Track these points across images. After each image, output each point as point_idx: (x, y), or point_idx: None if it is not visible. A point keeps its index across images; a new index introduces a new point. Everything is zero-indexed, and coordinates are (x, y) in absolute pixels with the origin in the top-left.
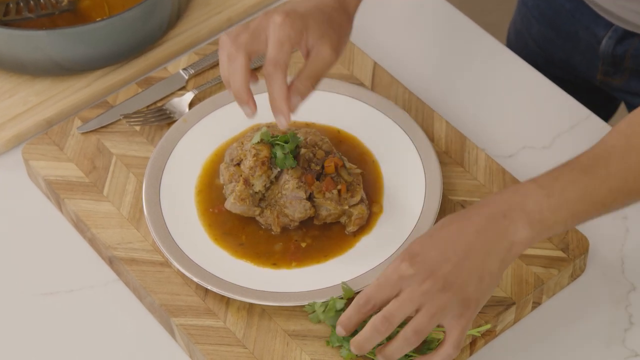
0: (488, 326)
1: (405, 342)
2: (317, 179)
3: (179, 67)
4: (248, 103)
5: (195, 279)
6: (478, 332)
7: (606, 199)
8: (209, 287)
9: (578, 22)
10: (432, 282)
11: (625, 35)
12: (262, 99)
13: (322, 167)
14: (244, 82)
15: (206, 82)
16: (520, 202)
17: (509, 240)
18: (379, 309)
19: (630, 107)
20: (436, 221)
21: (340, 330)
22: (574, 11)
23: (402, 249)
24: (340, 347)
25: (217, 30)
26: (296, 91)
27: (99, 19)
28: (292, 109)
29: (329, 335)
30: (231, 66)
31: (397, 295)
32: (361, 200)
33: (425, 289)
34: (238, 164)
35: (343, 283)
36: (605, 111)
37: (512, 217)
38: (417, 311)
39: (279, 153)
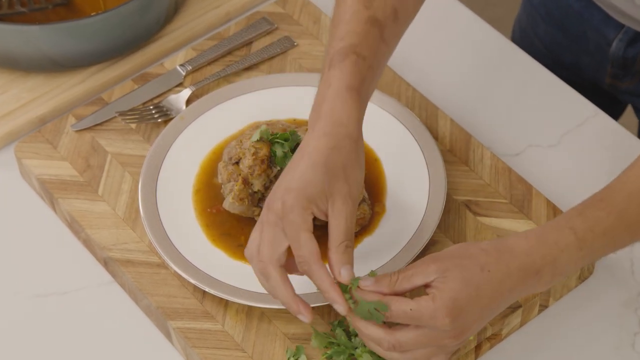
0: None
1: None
2: None
3: (176, 63)
4: (301, 311)
5: (192, 281)
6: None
7: (627, 243)
8: (206, 289)
9: (587, 23)
10: (457, 340)
11: (637, 38)
12: (262, 97)
13: None
14: (288, 293)
15: (204, 78)
16: (556, 257)
17: (527, 292)
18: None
19: (639, 111)
20: (440, 222)
21: (340, 308)
22: (583, 11)
23: (405, 250)
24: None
25: (215, 24)
26: (339, 263)
27: (94, 13)
28: (345, 280)
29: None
30: (267, 284)
31: (415, 327)
32: (363, 200)
33: (448, 343)
34: (237, 163)
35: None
36: (611, 114)
37: (542, 274)
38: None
39: (279, 151)
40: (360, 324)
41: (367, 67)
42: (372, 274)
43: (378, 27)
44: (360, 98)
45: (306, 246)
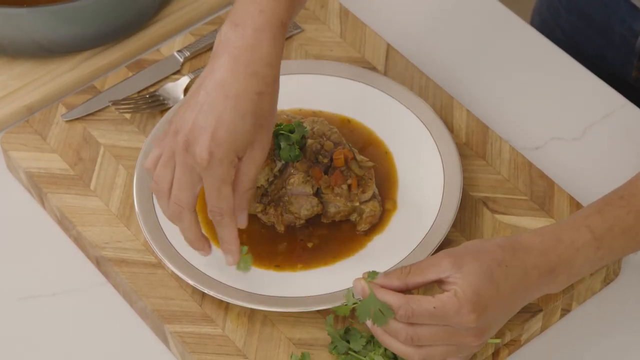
0: (497, 340)
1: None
2: (325, 172)
3: (173, 48)
4: (204, 248)
5: (191, 282)
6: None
7: None
8: (206, 291)
9: (612, 14)
10: (479, 339)
11: None
12: None
13: (331, 160)
14: (197, 235)
15: (203, 65)
16: (572, 257)
17: (542, 292)
18: None
19: None
20: (455, 220)
21: (357, 288)
22: (608, 1)
23: (418, 250)
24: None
25: (214, 7)
26: (240, 208)
27: None
28: (242, 226)
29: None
30: (180, 224)
31: (437, 324)
32: (373, 196)
33: (470, 341)
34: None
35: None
36: None
37: (558, 272)
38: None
39: (284, 144)
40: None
41: (298, 4)
42: (373, 274)
43: None
44: (283, 38)
45: (226, 200)
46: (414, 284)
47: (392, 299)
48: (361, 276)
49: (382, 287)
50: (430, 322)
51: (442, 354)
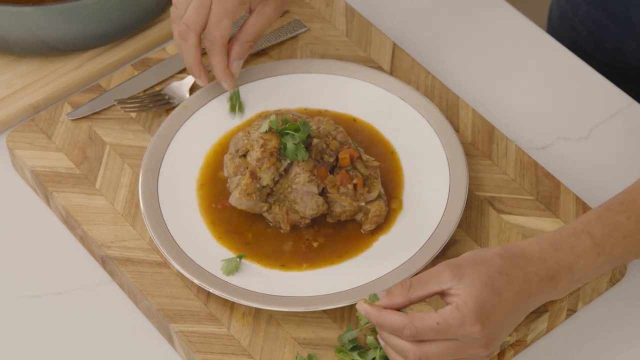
0: (507, 338)
1: None
2: (331, 172)
3: None
4: (200, 76)
5: (196, 281)
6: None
7: None
8: (211, 290)
9: (632, 6)
10: (486, 349)
11: None
12: (271, 85)
13: (337, 159)
14: (196, 60)
15: (209, 64)
16: (572, 263)
17: (544, 299)
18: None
19: None
20: (460, 219)
21: (361, 310)
22: None
23: (423, 250)
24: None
25: None
26: (236, 56)
27: None
28: (235, 74)
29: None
30: (183, 44)
31: (444, 340)
32: (379, 196)
33: (477, 352)
34: (244, 155)
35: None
36: None
37: (559, 279)
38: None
39: (289, 143)
40: (386, 334)
41: None
42: (374, 297)
43: None
44: None
45: (223, 31)
46: (417, 298)
47: (396, 319)
48: (363, 300)
49: (386, 307)
50: (436, 338)
51: None
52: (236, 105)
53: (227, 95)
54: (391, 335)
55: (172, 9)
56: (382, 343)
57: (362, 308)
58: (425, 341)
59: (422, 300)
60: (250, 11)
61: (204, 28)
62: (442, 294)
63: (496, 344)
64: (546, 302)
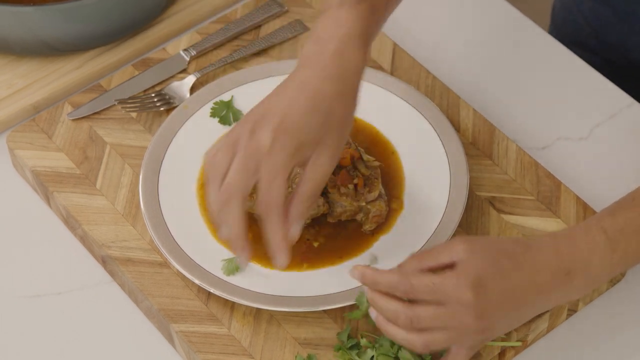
0: (518, 344)
1: (415, 349)
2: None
3: (179, 47)
4: (244, 251)
5: (197, 281)
6: (506, 344)
7: None
8: (211, 290)
9: (637, 1)
10: (479, 323)
11: None
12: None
13: None
14: (242, 231)
15: (209, 64)
16: (587, 259)
17: (557, 298)
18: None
19: None
20: (461, 219)
21: (354, 273)
22: None
23: (424, 250)
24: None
25: (221, 6)
26: (294, 219)
27: None
28: (292, 240)
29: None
30: (225, 211)
31: (436, 304)
32: (380, 196)
33: (468, 325)
34: None
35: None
36: None
37: (574, 275)
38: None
39: None
40: (378, 296)
41: (378, 19)
42: (373, 260)
43: None
44: (368, 50)
45: (278, 192)
46: (426, 267)
47: (392, 275)
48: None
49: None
50: (429, 299)
51: (444, 339)
52: (229, 115)
53: (228, 94)
54: (383, 297)
55: (207, 167)
56: (373, 315)
57: (357, 270)
58: (417, 303)
59: (431, 270)
60: (304, 164)
61: (249, 191)
62: (451, 267)
63: (491, 326)
64: (564, 302)
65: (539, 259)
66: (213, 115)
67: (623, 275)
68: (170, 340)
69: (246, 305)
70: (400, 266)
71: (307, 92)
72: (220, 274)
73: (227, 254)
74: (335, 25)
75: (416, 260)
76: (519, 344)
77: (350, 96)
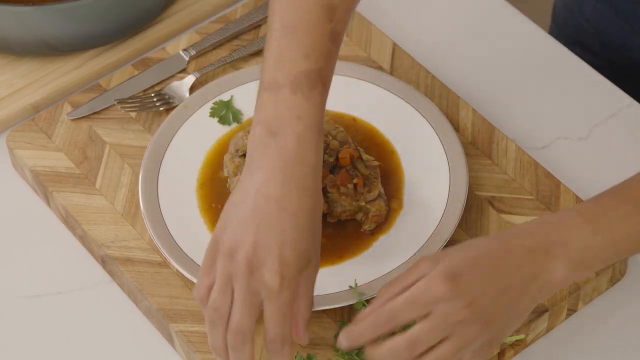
0: (522, 336)
1: None
2: (331, 171)
3: (179, 47)
4: None
5: (196, 281)
6: (509, 340)
7: None
8: None
9: (638, 2)
10: (470, 312)
11: None
12: None
13: (337, 159)
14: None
15: (209, 64)
16: (565, 237)
17: (545, 279)
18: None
19: None
20: (461, 219)
21: (342, 342)
22: None
23: (423, 250)
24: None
25: (220, 6)
26: (305, 329)
27: None
28: (305, 343)
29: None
30: (238, 353)
31: (425, 316)
32: (379, 196)
33: (462, 319)
34: (244, 155)
35: (355, 288)
36: None
37: (554, 254)
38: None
39: None
40: (371, 349)
41: (325, 97)
42: (359, 305)
43: (337, 45)
44: (322, 142)
45: (288, 324)
46: (398, 291)
47: (371, 315)
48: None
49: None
50: (412, 315)
51: (450, 350)
52: (229, 115)
53: (227, 94)
54: (376, 346)
55: (210, 313)
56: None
57: (342, 338)
58: (409, 329)
59: (401, 292)
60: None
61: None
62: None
63: (487, 315)
64: (557, 287)
65: (514, 243)
66: (213, 115)
67: (622, 274)
68: (170, 340)
69: None
70: (372, 303)
71: (290, 215)
72: None
73: None
74: (290, 117)
75: (385, 291)
76: (523, 336)
77: (320, 204)
